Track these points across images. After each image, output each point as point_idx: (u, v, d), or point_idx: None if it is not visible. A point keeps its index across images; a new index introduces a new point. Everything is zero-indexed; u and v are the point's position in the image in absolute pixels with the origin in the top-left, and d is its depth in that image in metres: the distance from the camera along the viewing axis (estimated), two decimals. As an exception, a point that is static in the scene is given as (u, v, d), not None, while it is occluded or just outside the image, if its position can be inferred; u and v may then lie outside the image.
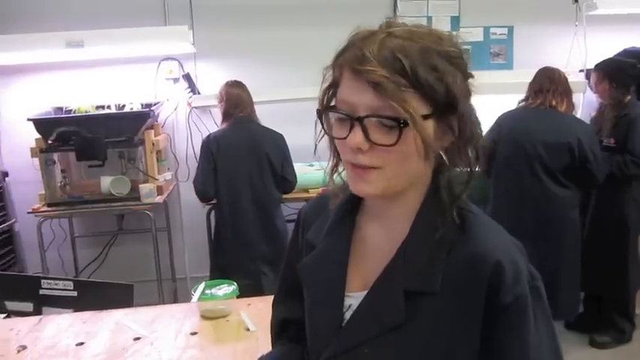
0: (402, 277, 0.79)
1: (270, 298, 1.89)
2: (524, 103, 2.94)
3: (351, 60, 0.74)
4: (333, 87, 0.80)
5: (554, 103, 2.83)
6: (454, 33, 0.81)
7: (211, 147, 2.97)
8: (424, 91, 0.73)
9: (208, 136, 3.06)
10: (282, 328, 1.07)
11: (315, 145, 0.85)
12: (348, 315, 0.84)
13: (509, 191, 2.91)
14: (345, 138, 0.76)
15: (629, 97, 3.06)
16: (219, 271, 3.02)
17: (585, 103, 3.73)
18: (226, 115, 3.03)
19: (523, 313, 0.76)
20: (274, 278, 2.98)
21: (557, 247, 2.82)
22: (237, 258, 3.02)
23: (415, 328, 0.77)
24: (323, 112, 0.80)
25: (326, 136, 0.82)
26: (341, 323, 0.84)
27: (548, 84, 2.86)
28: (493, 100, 3.40)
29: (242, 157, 2.96)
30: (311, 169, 3.56)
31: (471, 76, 0.80)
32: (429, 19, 3.78)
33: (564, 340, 3.16)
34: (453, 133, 0.77)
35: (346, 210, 0.90)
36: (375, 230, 0.87)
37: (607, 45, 3.59)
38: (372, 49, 0.72)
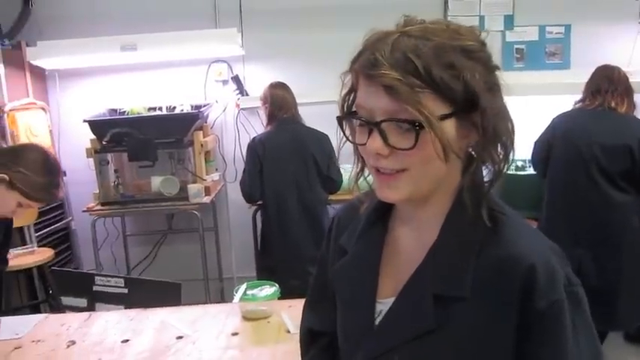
0: (432, 281, 0.77)
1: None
2: (580, 104, 2.81)
3: (364, 65, 0.73)
4: (352, 92, 0.79)
5: (613, 104, 2.68)
6: (474, 26, 0.77)
7: (257, 149, 2.99)
8: (441, 90, 0.70)
9: (254, 139, 3.08)
10: (312, 337, 1.05)
11: (338, 152, 0.85)
12: (379, 321, 0.83)
13: (564, 195, 2.78)
14: (365, 144, 0.75)
15: None
16: (267, 272, 3.03)
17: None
18: (271, 117, 3.05)
19: (559, 319, 0.72)
20: None
21: (617, 254, 2.67)
22: (284, 259, 3.02)
23: (446, 333, 0.75)
24: (343, 118, 0.80)
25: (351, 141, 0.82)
26: (372, 329, 0.83)
27: (607, 84, 2.71)
28: (549, 100, 3.29)
29: (287, 159, 2.96)
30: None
31: (497, 68, 0.77)
32: (482, 18, 3.67)
33: (623, 352, 3.05)
34: (478, 131, 0.74)
35: (377, 214, 0.88)
36: (406, 234, 0.85)
37: (673, 43, 3.40)
38: (383, 52, 0.70)
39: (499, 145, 0.75)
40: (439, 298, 0.75)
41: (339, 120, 0.80)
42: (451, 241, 0.77)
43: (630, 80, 2.77)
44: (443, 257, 0.77)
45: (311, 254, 2.99)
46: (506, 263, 0.73)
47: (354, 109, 0.78)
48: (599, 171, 2.66)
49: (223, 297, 3.91)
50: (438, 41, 0.71)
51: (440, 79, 0.69)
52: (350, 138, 0.80)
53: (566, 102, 2.90)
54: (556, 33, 3.71)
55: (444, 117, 0.71)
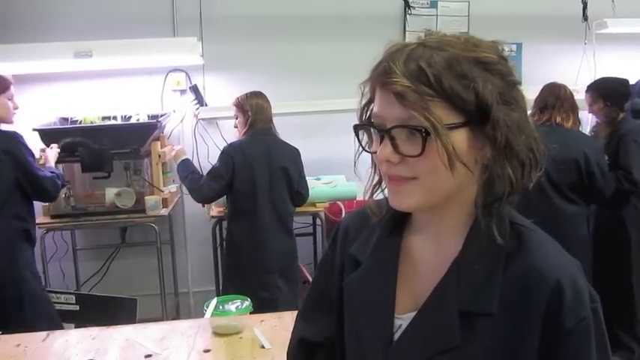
0: (456, 296, 0.76)
1: (285, 315, 1.87)
2: (530, 119, 2.92)
3: (379, 74, 0.75)
4: (370, 103, 0.80)
5: (559, 120, 2.81)
6: (496, 41, 0.80)
7: (233, 155, 2.90)
8: (451, 99, 0.72)
9: (231, 144, 2.99)
10: (306, 349, 1.00)
11: (354, 162, 0.84)
12: (398, 336, 0.81)
13: (517, 209, 2.87)
14: (377, 152, 0.76)
15: (622, 115, 3.08)
16: (232, 286, 2.91)
17: (592, 120, 3.72)
18: (250, 126, 2.95)
19: (587, 336, 0.73)
20: (288, 293, 2.95)
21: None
22: (254, 271, 2.95)
23: (470, 349, 0.74)
24: (359, 127, 0.81)
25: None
26: (391, 345, 0.81)
27: (554, 100, 2.85)
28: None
29: (262, 170, 2.90)
30: (318, 183, 3.53)
31: (518, 83, 0.78)
32: (438, 34, 3.77)
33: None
34: (491, 143, 0.74)
35: (393, 225, 0.87)
36: (423, 246, 0.84)
37: (616, 63, 3.59)
38: (398, 62, 0.72)
39: (515, 159, 0.75)
40: (465, 314, 0.74)
41: (355, 129, 0.80)
42: (475, 255, 0.76)
43: (576, 97, 2.91)
44: (467, 272, 0.76)
45: (280, 267, 2.96)
46: (533, 279, 0.73)
47: (372, 119, 0.79)
48: (549, 183, 2.77)
49: (179, 312, 3.81)
50: (451, 52, 0.73)
51: (450, 88, 0.71)
52: (367, 148, 0.81)
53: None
54: (508, 51, 3.84)
55: (453, 126, 0.72)
